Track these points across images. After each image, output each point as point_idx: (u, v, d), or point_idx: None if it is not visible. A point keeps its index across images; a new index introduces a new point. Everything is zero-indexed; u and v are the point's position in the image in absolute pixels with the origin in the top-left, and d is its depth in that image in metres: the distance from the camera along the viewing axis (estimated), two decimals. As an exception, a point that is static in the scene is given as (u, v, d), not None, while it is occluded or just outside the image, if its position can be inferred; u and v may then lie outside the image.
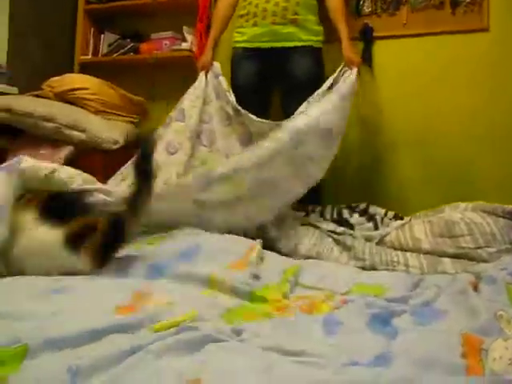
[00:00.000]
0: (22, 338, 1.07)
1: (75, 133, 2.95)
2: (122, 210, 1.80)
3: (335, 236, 2.45)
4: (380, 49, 3.21)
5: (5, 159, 3.09)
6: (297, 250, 2.37)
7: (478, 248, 2.18)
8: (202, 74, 2.99)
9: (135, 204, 1.78)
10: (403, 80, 3.19)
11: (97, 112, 3.24)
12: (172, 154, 2.80)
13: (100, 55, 4.14)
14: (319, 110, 2.50)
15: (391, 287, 1.70)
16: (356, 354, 1.14)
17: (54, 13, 4.12)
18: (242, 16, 2.95)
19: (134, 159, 1.96)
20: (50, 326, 1.18)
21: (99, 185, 2.29)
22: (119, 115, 3.37)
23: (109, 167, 3.08)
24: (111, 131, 3.08)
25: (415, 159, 3.14)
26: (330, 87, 2.72)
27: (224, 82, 2.94)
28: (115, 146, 3.03)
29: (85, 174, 2.23)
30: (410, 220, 2.55)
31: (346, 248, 2.35)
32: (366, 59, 3.18)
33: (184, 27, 3.75)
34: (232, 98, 2.86)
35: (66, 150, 2.97)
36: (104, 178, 3.01)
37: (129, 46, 3.96)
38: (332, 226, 2.54)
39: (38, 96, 3.31)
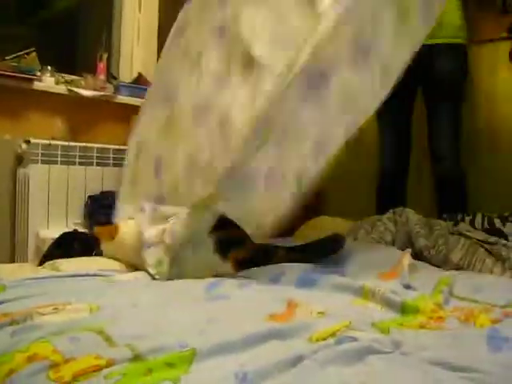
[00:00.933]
0: (189, 343, 1.12)
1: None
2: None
3: (487, 246, 2.32)
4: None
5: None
6: (447, 260, 2.27)
7: None
8: None
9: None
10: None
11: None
12: None
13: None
14: None
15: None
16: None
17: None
18: None
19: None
20: (211, 332, 1.23)
21: None
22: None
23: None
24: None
25: None
26: None
27: None
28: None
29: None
30: None
31: (501, 258, 2.22)
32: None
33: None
34: None
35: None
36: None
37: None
38: (483, 236, 2.42)
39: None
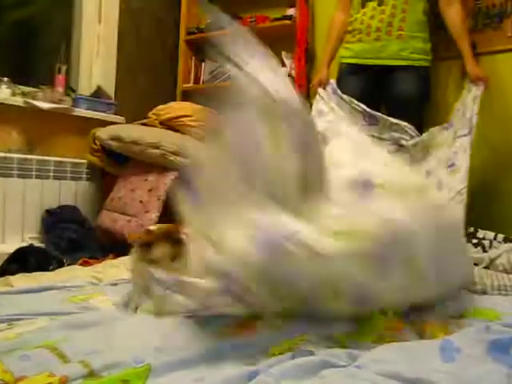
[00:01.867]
0: (145, 359, 1.11)
1: (180, 159, 3.04)
2: None
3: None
4: (484, 65, 3.09)
5: (113, 186, 3.26)
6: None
7: None
8: (320, 90, 3.03)
9: None
10: (509, 96, 3.06)
11: (200, 138, 3.33)
12: None
13: (201, 83, 4.27)
14: None
15: (506, 312, 1.62)
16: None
17: (157, 45, 4.31)
18: (349, 32, 2.96)
19: None
20: (167, 347, 1.22)
21: None
22: (221, 141, 3.44)
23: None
24: (214, 156, 3.15)
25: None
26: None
27: (344, 95, 2.95)
28: (218, 171, 3.09)
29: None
30: (523, 243, 2.44)
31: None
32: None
33: (283, 52, 3.80)
34: (362, 105, 2.87)
35: (171, 176, 3.06)
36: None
37: (229, 73, 4.05)
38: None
39: (144, 124, 3.45)
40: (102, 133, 3.30)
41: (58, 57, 3.64)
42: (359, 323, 1.51)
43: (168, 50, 4.42)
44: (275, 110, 1.53)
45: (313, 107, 2.98)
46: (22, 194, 3.18)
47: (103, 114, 3.68)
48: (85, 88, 3.82)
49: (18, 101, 3.27)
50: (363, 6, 2.86)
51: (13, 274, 2.18)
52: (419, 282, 1.51)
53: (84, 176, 3.50)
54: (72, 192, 3.42)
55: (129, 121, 3.72)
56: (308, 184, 1.48)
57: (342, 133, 2.58)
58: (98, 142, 3.34)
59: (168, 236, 1.61)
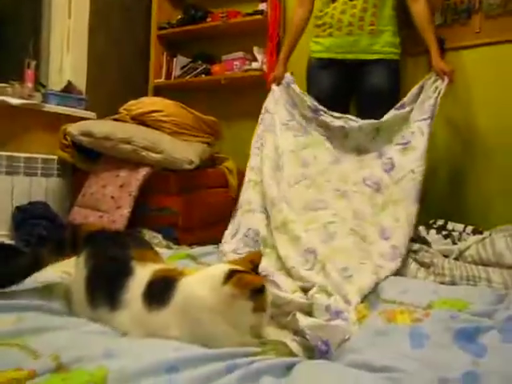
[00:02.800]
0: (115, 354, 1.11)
1: (152, 154, 3.03)
2: None
3: (412, 254, 2.40)
4: (453, 60, 3.13)
5: (84, 182, 3.23)
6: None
7: None
8: (273, 87, 3.01)
9: None
10: (477, 90, 3.11)
11: (172, 133, 3.33)
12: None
13: (173, 78, 4.26)
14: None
15: (474, 302, 1.65)
16: (443, 370, 1.12)
17: (128, 40, 4.28)
18: (318, 26, 2.96)
19: None
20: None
21: None
22: (193, 136, 3.45)
23: (184, 187, 3.15)
24: (186, 152, 3.15)
25: (494, 171, 3.04)
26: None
27: (297, 88, 2.95)
28: (191, 166, 3.09)
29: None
30: (491, 234, 2.47)
31: (425, 265, 2.30)
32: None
33: (254, 47, 3.81)
34: (309, 98, 2.89)
35: (143, 171, 3.05)
36: (179, 198, 3.09)
37: (200, 68, 4.07)
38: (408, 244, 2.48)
39: (115, 120, 3.43)
40: (73, 128, 3.27)
41: (27, 52, 3.59)
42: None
43: (139, 45, 4.39)
44: None
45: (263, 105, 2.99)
46: (-8, 191, 3.14)
47: (74, 110, 3.64)
48: (55, 83, 3.78)
49: (-13, 96, 3.22)
50: (333, 0, 2.87)
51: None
52: None
53: (54, 172, 3.46)
54: (42, 188, 3.38)
55: (100, 116, 3.69)
56: None
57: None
58: (68, 138, 3.31)
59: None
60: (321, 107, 2.85)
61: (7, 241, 2.97)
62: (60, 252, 1.71)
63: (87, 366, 1.09)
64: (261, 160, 2.75)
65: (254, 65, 3.82)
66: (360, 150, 2.77)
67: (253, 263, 1.43)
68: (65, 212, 3.35)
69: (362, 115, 2.84)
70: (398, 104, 2.72)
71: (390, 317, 1.46)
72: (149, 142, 3.07)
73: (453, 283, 2.14)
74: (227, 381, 1.07)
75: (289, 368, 1.17)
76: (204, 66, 4.07)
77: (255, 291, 1.30)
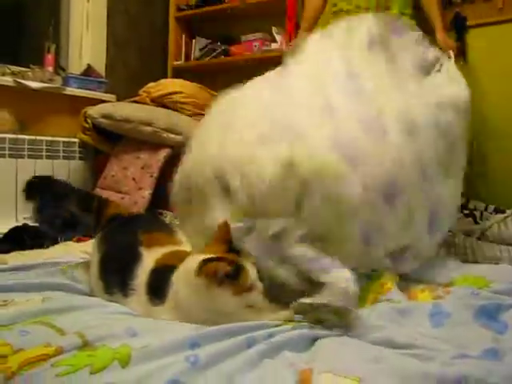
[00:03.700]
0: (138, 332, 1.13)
1: (172, 135, 3.05)
2: None
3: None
4: (474, 38, 3.08)
5: (105, 164, 3.26)
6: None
7: None
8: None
9: None
10: (500, 68, 3.05)
11: (191, 114, 3.33)
12: None
13: (192, 59, 4.26)
14: None
15: (495, 280, 1.64)
16: (464, 347, 1.13)
17: (147, 22, 4.28)
18: (334, 13, 2.91)
19: None
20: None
21: None
22: (213, 117, 3.44)
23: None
24: (206, 133, 3.15)
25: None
26: None
27: None
28: (211, 147, 3.09)
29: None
30: (514, 213, 2.46)
31: (446, 244, 2.29)
32: (460, 51, 3.07)
33: (273, 28, 3.79)
34: None
35: (163, 153, 3.07)
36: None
37: (219, 50, 4.05)
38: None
39: (135, 102, 3.45)
40: (94, 111, 3.30)
41: (47, 36, 3.61)
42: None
43: (158, 27, 4.39)
44: None
45: None
46: (15, 174, 3.17)
47: (94, 93, 3.66)
48: (75, 67, 3.81)
49: (8, 81, 3.25)
50: None
51: (7, 252, 2.20)
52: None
53: (76, 155, 3.49)
54: (65, 171, 3.41)
55: (120, 99, 3.71)
56: None
57: None
58: (89, 121, 3.33)
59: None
60: None
61: (31, 223, 3.01)
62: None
63: (111, 343, 1.11)
64: None
65: (274, 45, 3.80)
66: None
67: (226, 241, 1.42)
68: (87, 194, 3.39)
69: None
70: None
71: (411, 294, 1.47)
72: (169, 123, 3.08)
73: (475, 262, 2.14)
74: (248, 355, 1.08)
75: (310, 343, 1.18)
76: (223, 48, 4.05)
77: (227, 276, 1.28)
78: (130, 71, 4.13)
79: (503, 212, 2.54)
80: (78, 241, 2.54)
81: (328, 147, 1.58)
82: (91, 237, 2.57)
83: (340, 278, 1.36)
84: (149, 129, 3.07)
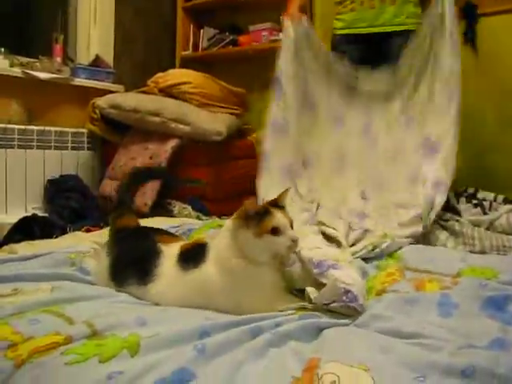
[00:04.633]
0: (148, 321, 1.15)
1: (180, 126, 3.05)
2: None
3: (442, 222, 2.39)
4: (485, 27, 3.05)
5: (113, 155, 3.27)
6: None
7: None
8: (289, 25, 2.85)
9: None
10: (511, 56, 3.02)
11: (200, 105, 3.33)
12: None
13: (200, 50, 4.25)
14: None
15: (504, 270, 1.63)
16: (472, 337, 1.13)
17: (155, 12, 4.28)
18: (340, 3, 2.90)
19: None
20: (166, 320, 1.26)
21: None
22: (221, 107, 3.45)
23: (213, 158, 3.17)
24: (215, 123, 3.15)
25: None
26: None
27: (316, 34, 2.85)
28: (219, 138, 3.09)
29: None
30: (522, 204, 2.45)
31: (454, 234, 2.29)
32: (469, 40, 3.04)
33: (282, 18, 3.76)
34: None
35: (172, 143, 3.07)
36: (208, 169, 3.12)
37: (228, 40, 4.05)
38: (438, 213, 2.47)
39: (143, 92, 3.45)
40: (102, 102, 3.30)
41: (55, 27, 3.62)
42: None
43: (166, 17, 4.38)
44: None
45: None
46: (24, 165, 3.19)
47: (102, 83, 3.67)
48: (83, 57, 3.80)
49: (17, 72, 3.26)
50: None
51: (17, 242, 2.21)
52: None
53: (85, 145, 3.50)
54: (73, 161, 3.43)
55: (128, 89, 3.71)
56: None
57: None
58: (97, 111, 3.34)
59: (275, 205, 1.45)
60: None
61: (40, 213, 3.03)
62: None
63: (121, 332, 1.12)
64: None
65: (282, 35, 3.78)
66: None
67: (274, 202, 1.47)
68: (95, 184, 3.40)
69: None
70: None
71: (419, 285, 1.47)
72: (177, 113, 3.09)
73: (483, 253, 2.13)
74: (255, 344, 1.09)
75: (316, 332, 1.19)
76: (231, 37, 4.05)
77: (250, 215, 1.37)
78: (138, 61, 4.13)
79: (512, 203, 2.54)
80: (87, 231, 2.55)
81: None
82: (100, 227, 2.60)
83: (340, 278, 1.36)
84: (157, 119, 3.07)
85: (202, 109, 3.30)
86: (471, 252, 2.11)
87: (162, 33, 4.38)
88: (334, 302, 1.29)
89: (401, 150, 2.59)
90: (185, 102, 3.32)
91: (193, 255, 1.44)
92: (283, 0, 3.66)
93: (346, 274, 1.40)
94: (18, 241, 2.27)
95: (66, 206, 3.05)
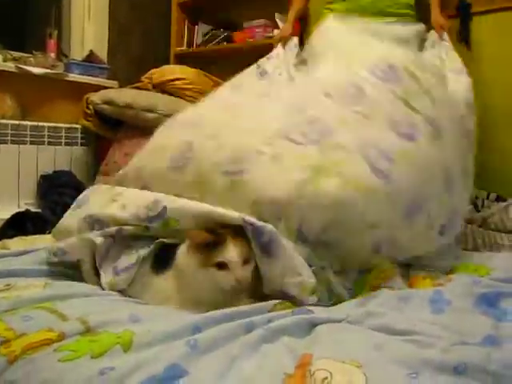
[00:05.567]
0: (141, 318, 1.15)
1: (174, 122, 3.04)
2: None
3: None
4: (479, 26, 3.04)
5: (107, 150, 3.27)
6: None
7: None
8: (279, 46, 2.84)
9: None
10: (507, 55, 3.02)
11: (194, 101, 3.32)
12: None
13: (194, 46, 4.24)
14: None
15: (496, 268, 1.64)
16: (464, 334, 1.13)
17: (149, 8, 4.27)
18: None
19: None
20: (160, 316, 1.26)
21: None
22: (215, 103, 3.43)
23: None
24: (209, 119, 3.14)
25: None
26: None
27: (294, 56, 2.78)
28: (213, 134, 3.08)
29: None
30: (515, 201, 2.46)
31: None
32: (463, 39, 3.04)
33: (276, 14, 3.76)
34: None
35: (166, 139, 3.06)
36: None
37: (222, 36, 4.04)
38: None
39: (137, 88, 3.44)
40: (96, 97, 3.29)
41: (48, 21, 3.60)
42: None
43: (160, 13, 4.37)
44: None
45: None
46: (17, 160, 3.18)
47: (96, 79, 3.66)
48: (77, 53, 3.79)
49: (11, 66, 3.25)
50: None
51: (10, 238, 2.21)
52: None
53: (78, 141, 3.50)
54: (67, 157, 3.42)
55: (122, 85, 3.71)
56: None
57: None
58: (91, 107, 3.33)
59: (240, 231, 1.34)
60: None
61: (33, 209, 3.02)
62: None
63: (114, 329, 1.12)
64: None
65: (276, 32, 3.77)
66: None
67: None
68: (89, 180, 3.39)
69: None
70: None
71: (412, 282, 1.47)
72: (171, 109, 3.07)
73: (475, 250, 2.14)
74: (247, 339, 1.09)
75: (309, 328, 1.19)
76: (226, 34, 4.04)
77: (204, 246, 1.30)
78: (133, 57, 4.12)
79: (505, 200, 2.55)
80: (81, 227, 2.55)
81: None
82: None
83: None
84: (151, 115, 3.07)
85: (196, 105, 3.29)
86: (464, 249, 2.12)
87: (156, 29, 4.37)
88: None
89: None
90: (179, 98, 3.32)
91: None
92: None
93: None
94: (11, 236, 2.26)
95: (59, 202, 3.04)
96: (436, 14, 2.65)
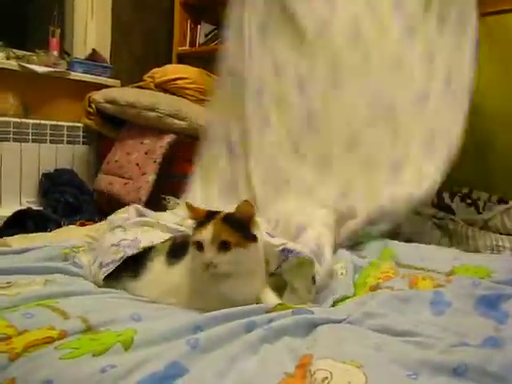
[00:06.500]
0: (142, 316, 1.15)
1: (176, 121, 3.05)
2: None
3: (436, 220, 2.40)
4: (493, 25, 3.00)
5: (109, 149, 3.27)
6: (399, 233, 2.33)
7: None
8: None
9: None
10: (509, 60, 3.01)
11: (196, 100, 3.33)
12: None
13: (197, 45, 4.25)
14: None
15: (497, 270, 1.64)
16: (465, 336, 1.13)
17: (152, 7, 4.27)
18: None
19: None
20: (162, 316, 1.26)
21: None
22: (217, 103, 3.44)
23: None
24: (210, 119, 3.15)
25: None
26: None
27: None
28: (215, 134, 3.09)
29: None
30: (517, 203, 2.46)
31: (448, 232, 2.30)
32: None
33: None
34: None
35: (168, 138, 3.07)
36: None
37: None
38: (432, 211, 2.48)
39: (139, 87, 3.45)
40: (98, 96, 3.30)
41: (51, 20, 3.61)
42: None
43: (163, 12, 4.38)
44: None
45: None
46: (19, 158, 3.19)
47: (99, 78, 3.67)
48: (80, 51, 3.80)
49: (13, 65, 3.25)
50: None
51: (11, 236, 2.21)
52: None
53: (80, 140, 3.50)
54: (69, 156, 3.43)
55: (124, 84, 3.71)
56: None
57: None
58: (93, 106, 3.34)
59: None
60: None
61: (35, 207, 3.02)
62: None
63: (115, 327, 1.12)
64: None
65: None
66: None
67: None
68: (90, 179, 3.40)
69: None
70: None
71: (412, 282, 1.47)
72: (173, 109, 3.08)
73: (476, 252, 2.14)
74: (248, 339, 1.09)
75: (310, 328, 1.19)
76: (228, 33, 4.04)
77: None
78: (135, 56, 4.12)
79: (506, 203, 2.55)
80: (81, 225, 2.55)
81: None
82: (95, 221, 2.60)
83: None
84: (153, 114, 3.07)
85: (198, 104, 3.29)
86: (465, 251, 2.12)
87: (159, 28, 4.38)
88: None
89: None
90: (181, 97, 3.32)
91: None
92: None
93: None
94: (12, 234, 2.26)
95: (60, 200, 3.05)
96: None
